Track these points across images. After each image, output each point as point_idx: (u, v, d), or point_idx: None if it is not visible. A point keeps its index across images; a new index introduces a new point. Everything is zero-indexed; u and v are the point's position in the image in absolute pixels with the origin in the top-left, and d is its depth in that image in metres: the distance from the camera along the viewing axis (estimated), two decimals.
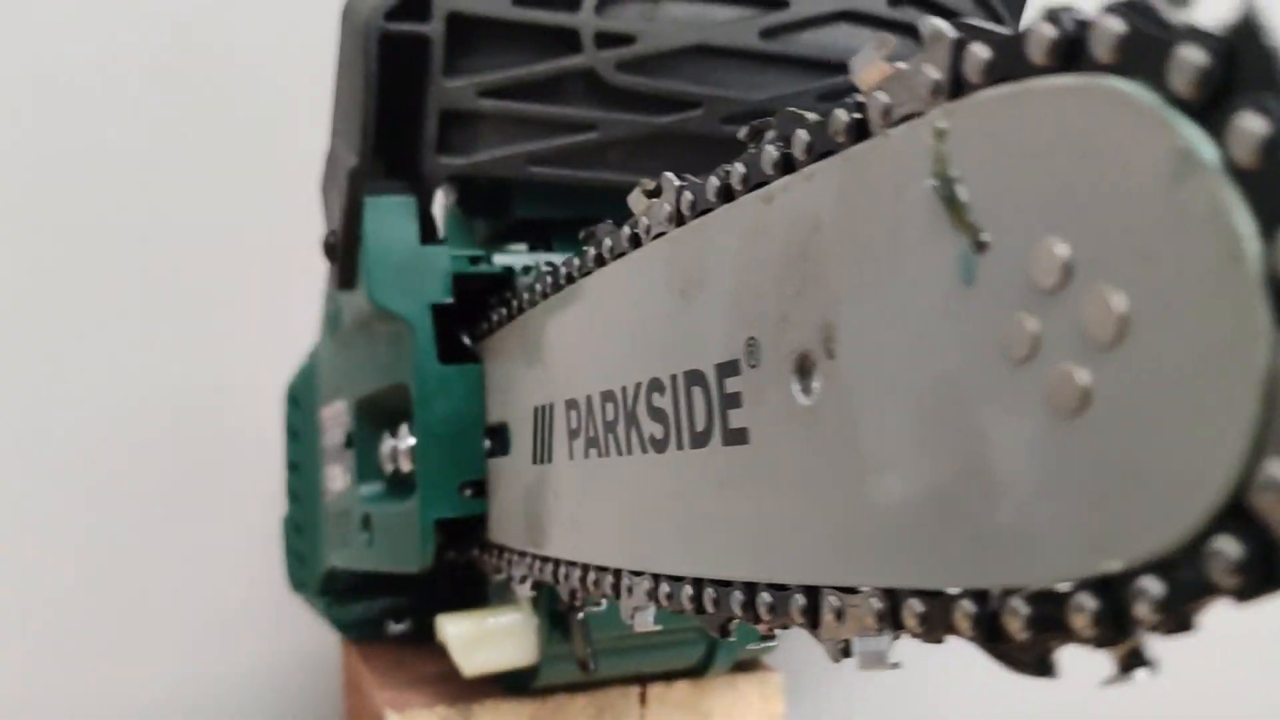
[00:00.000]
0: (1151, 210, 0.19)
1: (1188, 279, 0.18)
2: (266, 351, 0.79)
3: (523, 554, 0.49)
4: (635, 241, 0.37)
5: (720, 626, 0.34)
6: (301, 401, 0.72)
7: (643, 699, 0.61)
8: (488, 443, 0.53)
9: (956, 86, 0.22)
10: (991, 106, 0.21)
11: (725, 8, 0.54)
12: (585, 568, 0.42)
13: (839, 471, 0.27)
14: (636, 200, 0.36)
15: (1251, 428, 0.17)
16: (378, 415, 0.60)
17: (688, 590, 0.34)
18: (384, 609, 0.71)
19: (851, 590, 0.27)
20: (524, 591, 0.49)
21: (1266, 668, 0.72)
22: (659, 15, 0.53)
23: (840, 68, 0.55)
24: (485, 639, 0.56)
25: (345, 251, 0.55)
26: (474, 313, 0.54)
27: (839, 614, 0.27)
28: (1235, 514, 0.18)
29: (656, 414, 0.36)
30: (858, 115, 0.26)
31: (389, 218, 0.52)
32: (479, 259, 0.54)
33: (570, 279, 0.43)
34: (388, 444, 0.58)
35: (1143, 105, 0.19)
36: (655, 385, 0.36)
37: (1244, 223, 0.17)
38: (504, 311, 0.51)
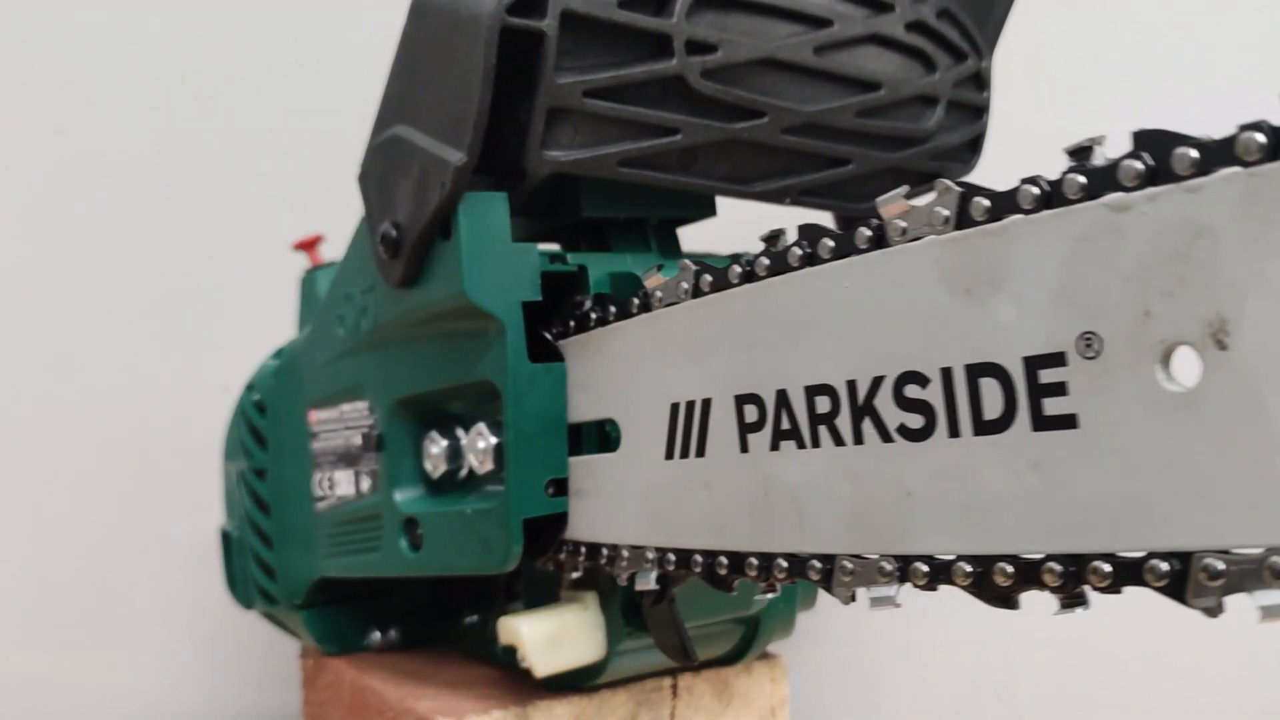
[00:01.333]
0: None
1: None
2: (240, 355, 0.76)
3: (638, 548, 0.50)
4: (878, 243, 0.40)
5: (1005, 598, 0.37)
6: (271, 406, 0.68)
7: (674, 690, 0.62)
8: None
9: None
10: None
11: (781, 23, 0.57)
12: (767, 556, 0.44)
13: (1234, 446, 0.30)
14: (894, 203, 0.39)
15: None
16: (422, 416, 0.58)
17: (964, 566, 0.37)
18: (372, 619, 0.69)
19: (1222, 551, 0.31)
20: (646, 584, 0.50)
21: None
22: (729, 26, 0.55)
23: (871, 85, 0.60)
24: (559, 638, 0.56)
25: (416, 247, 0.53)
26: (547, 311, 0.54)
27: (1217, 575, 0.31)
28: None
29: (912, 405, 0.38)
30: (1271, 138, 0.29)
31: (485, 213, 0.52)
32: (557, 257, 0.54)
33: (750, 277, 0.44)
34: (437, 445, 0.57)
35: None
36: (911, 378, 0.38)
37: None
38: (611, 310, 0.51)
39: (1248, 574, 0.31)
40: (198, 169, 0.91)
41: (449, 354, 0.55)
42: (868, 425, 0.40)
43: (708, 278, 0.46)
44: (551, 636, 0.55)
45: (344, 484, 0.63)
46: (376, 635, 0.68)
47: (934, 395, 0.38)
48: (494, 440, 0.53)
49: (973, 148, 0.67)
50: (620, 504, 0.51)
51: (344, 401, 0.62)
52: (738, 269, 0.45)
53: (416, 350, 0.57)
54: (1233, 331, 0.30)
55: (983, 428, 0.36)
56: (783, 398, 0.43)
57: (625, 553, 0.51)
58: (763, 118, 0.57)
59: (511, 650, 0.57)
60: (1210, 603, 0.31)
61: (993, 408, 0.36)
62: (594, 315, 0.52)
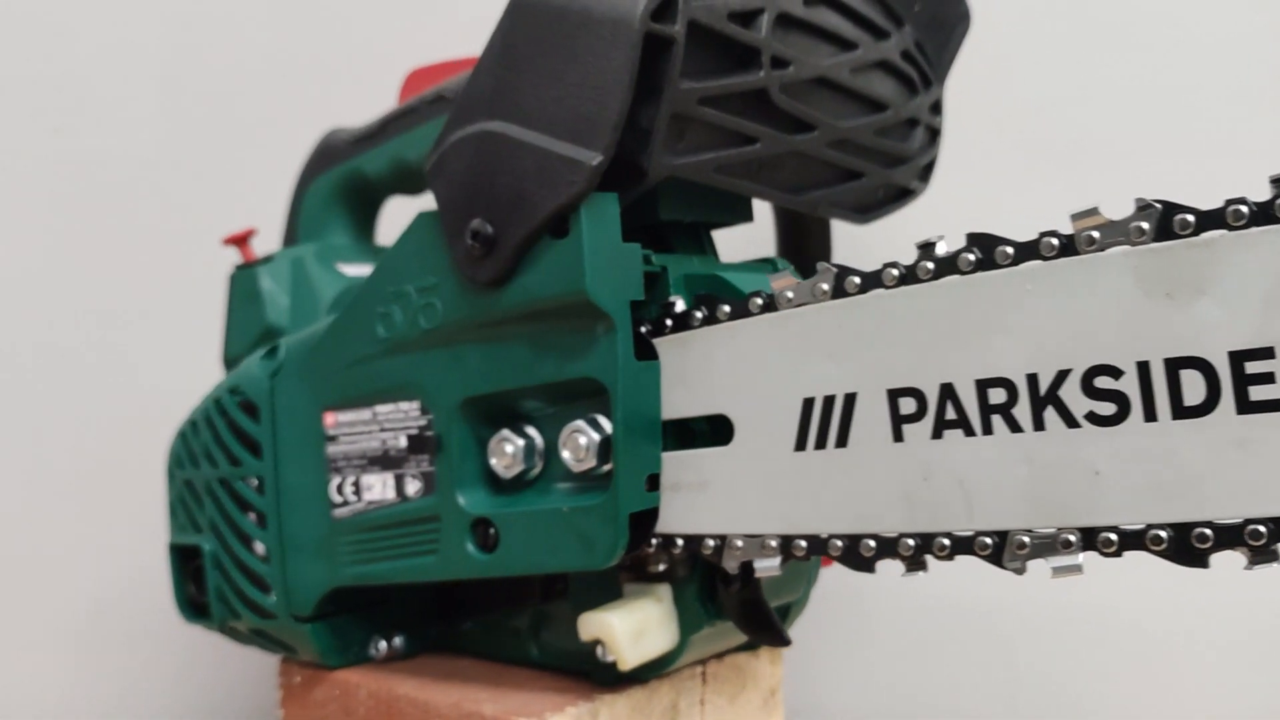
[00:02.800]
0: None
1: None
2: None
3: (754, 536, 0.52)
4: (1065, 251, 0.44)
5: (1200, 559, 0.43)
6: (266, 410, 0.64)
7: (704, 677, 0.65)
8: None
9: None
10: None
11: (824, 44, 0.61)
12: (926, 536, 0.48)
13: None
14: (1089, 217, 0.44)
15: None
16: (487, 416, 0.58)
17: (1157, 533, 0.43)
18: (374, 628, 0.66)
19: None
20: (771, 571, 0.52)
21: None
22: (793, 44, 0.59)
23: (882, 106, 0.65)
24: (643, 631, 0.57)
25: (519, 245, 0.53)
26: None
27: None
28: None
29: (1103, 394, 0.44)
30: None
31: (603, 213, 0.52)
32: (647, 258, 0.56)
33: (909, 279, 0.48)
34: (512, 444, 0.56)
35: None
36: (1102, 371, 0.44)
37: None
38: (723, 309, 0.53)
39: None
40: (188, 169, 0.95)
41: (541, 352, 0.55)
42: (1050, 413, 0.45)
43: (854, 280, 0.50)
44: (637, 629, 0.57)
45: (378, 488, 0.61)
46: (383, 644, 0.66)
47: (1128, 385, 0.43)
48: (597, 437, 0.54)
49: (930, 168, 0.74)
50: (733, 495, 0.53)
51: (380, 402, 0.60)
52: (894, 272, 0.49)
53: (495, 349, 0.56)
54: None
55: (1182, 413, 0.42)
56: (948, 390, 0.47)
57: (739, 542, 0.53)
58: (813, 132, 0.60)
59: (572, 647, 0.58)
60: None
61: (1194, 395, 0.42)
62: (699, 314, 0.54)
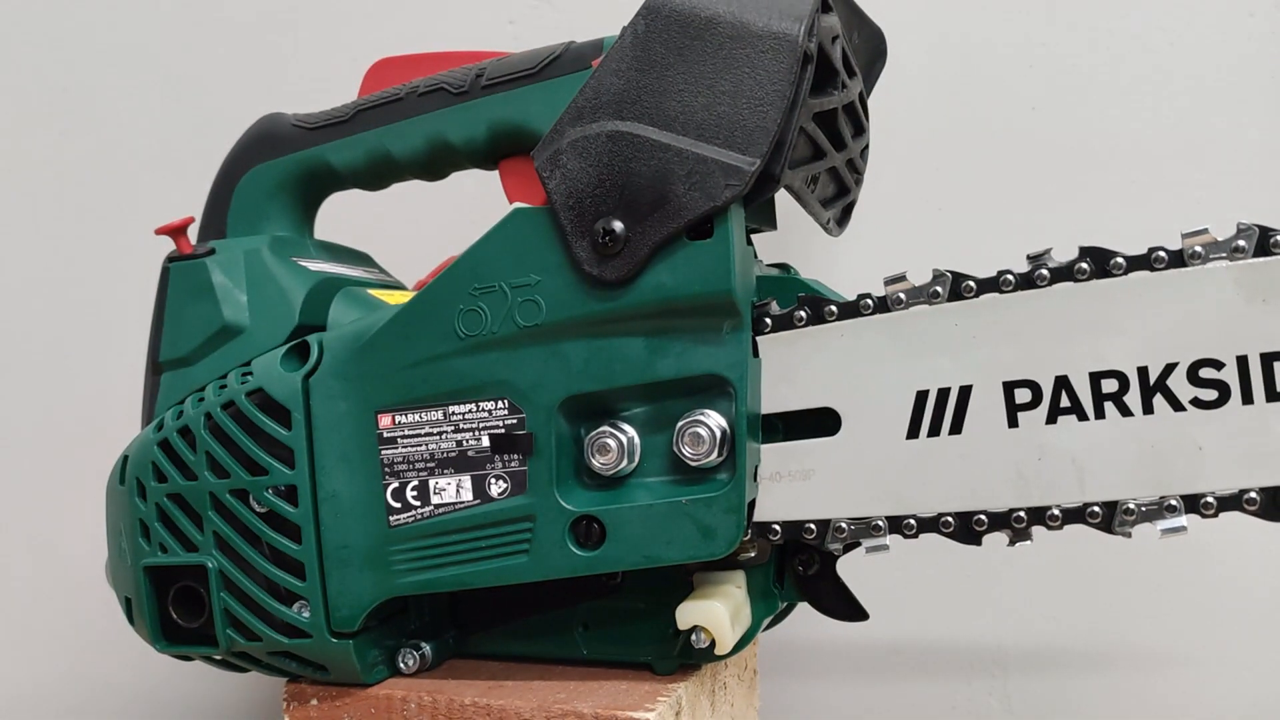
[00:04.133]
0: None
1: None
2: None
3: (860, 519, 0.57)
4: (1176, 263, 0.53)
5: None
6: (299, 414, 0.60)
7: (725, 660, 0.68)
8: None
9: None
10: None
11: (845, 74, 0.67)
12: (1037, 509, 0.55)
13: None
14: (1200, 235, 0.52)
15: None
16: (582, 414, 0.58)
17: (1252, 495, 0.52)
18: (402, 640, 0.64)
19: None
20: (879, 550, 0.57)
21: None
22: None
23: (862, 131, 0.72)
24: (737, 615, 0.59)
25: (656, 246, 0.54)
26: None
27: None
28: None
29: (1207, 383, 0.53)
30: None
31: (739, 217, 0.55)
32: None
33: (1026, 285, 0.55)
34: (616, 440, 0.57)
35: None
36: (1206, 364, 0.53)
37: None
38: (829, 310, 0.57)
39: None
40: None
41: (660, 350, 0.56)
42: (1159, 399, 0.53)
43: (970, 284, 0.56)
44: (734, 615, 0.59)
45: (451, 490, 0.58)
46: (413, 656, 0.63)
47: (1229, 375, 0.52)
48: (717, 432, 0.56)
49: None
50: (840, 481, 0.57)
51: (456, 402, 0.58)
52: (1009, 278, 0.55)
53: (606, 346, 0.56)
54: None
55: (1275, 396, 0.52)
56: (1063, 381, 0.54)
57: (845, 524, 0.57)
58: (844, 150, 0.66)
59: (630, 641, 0.61)
60: None
61: None
62: (803, 314, 0.58)
